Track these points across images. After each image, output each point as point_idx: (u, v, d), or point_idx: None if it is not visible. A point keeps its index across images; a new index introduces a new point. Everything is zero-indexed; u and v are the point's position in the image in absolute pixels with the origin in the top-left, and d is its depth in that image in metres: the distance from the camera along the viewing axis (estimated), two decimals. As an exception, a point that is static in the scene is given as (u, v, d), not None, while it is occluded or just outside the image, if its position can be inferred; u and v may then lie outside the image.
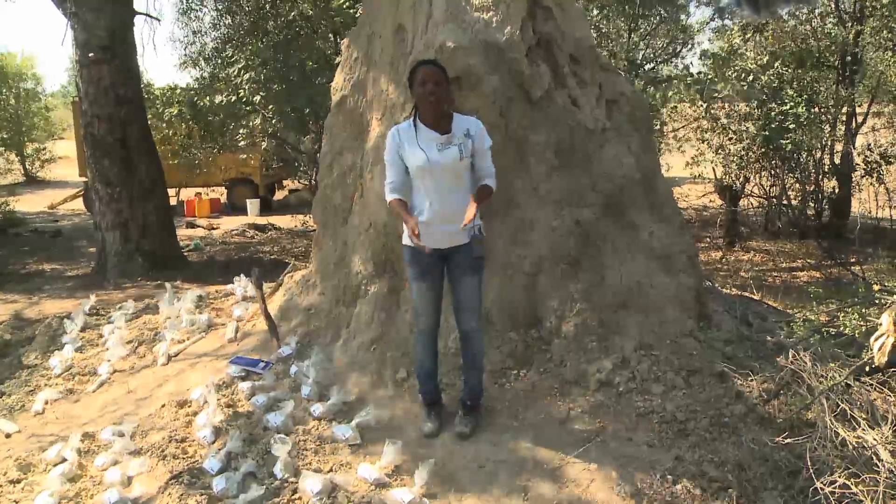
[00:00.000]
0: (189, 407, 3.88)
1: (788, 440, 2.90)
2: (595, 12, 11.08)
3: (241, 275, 6.16)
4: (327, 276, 4.68)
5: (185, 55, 11.21)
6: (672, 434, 3.19)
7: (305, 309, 4.68)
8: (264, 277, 5.84)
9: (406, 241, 3.20)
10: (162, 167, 8.63)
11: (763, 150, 8.94)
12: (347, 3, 8.73)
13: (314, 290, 4.80)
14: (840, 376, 2.97)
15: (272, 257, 9.90)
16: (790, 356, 3.25)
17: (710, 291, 4.90)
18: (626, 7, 10.91)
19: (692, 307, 4.06)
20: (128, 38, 8.15)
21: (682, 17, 12.80)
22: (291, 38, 9.34)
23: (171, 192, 13.79)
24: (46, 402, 4.28)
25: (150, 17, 9.54)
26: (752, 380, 3.47)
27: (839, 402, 2.84)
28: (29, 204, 16.88)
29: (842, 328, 3.49)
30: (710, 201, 12.57)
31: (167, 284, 6.37)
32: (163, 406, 3.92)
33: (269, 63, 9.19)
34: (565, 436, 3.25)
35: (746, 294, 6.04)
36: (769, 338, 4.10)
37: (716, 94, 9.81)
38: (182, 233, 12.30)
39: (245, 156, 14.11)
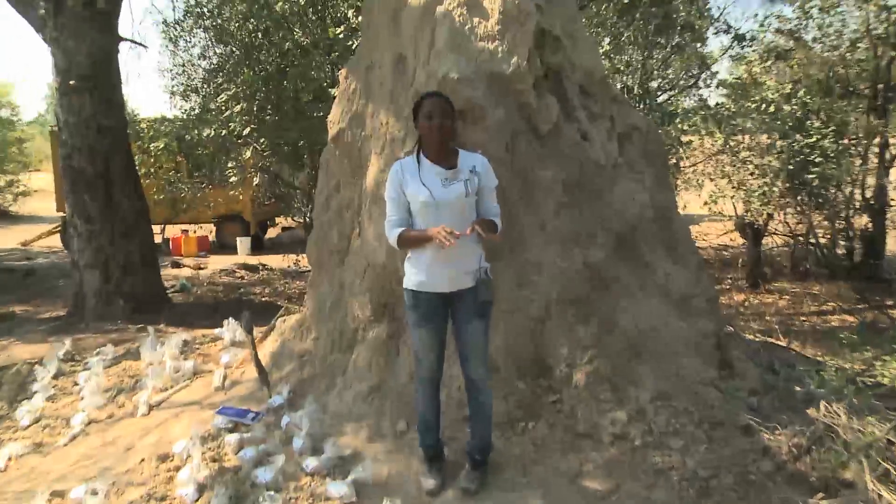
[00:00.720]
0: (171, 461, 3.87)
1: (823, 501, 2.86)
2: (607, 41, 11.33)
3: (230, 318, 6.20)
4: (322, 321, 4.72)
5: (173, 86, 11.48)
6: (693, 493, 3.17)
7: (299, 355, 4.70)
8: (255, 321, 5.88)
9: (408, 283, 3.25)
10: (146, 202, 8.74)
11: (787, 184, 9.00)
12: (344, 33, 8.96)
13: (308, 335, 4.83)
14: (880, 431, 2.94)
15: (263, 300, 9.94)
16: (822, 408, 3.23)
17: (732, 337, 4.91)
18: (640, 36, 11.16)
19: (712, 354, 4.07)
20: (111, 65, 8.28)
21: (699, 45, 13.05)
22: (285, 69, 9.56)
23: (156, 229, 13.95)
24: (10, 458, 4.23)
25: (136, 43, 9.67)
26: (780, 434, 3.45)
27: (880, 461, 2.81)
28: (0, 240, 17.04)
29: (879, 378, 3.48)
30: (731, 240, 12.64)
31: (150, 328, 6.41)
32: (142, 460, 3.91)
33: (261, 94, 9.38)
34: (577, 494, 3.23)
35: (772, 340, 6.04)
36: (798, 388, 4.09)
37: (735, 126, 9.92)
38: (167, 273, 12.37)
39: (235, 191, 14.28)
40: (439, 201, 3.09)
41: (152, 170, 12.22)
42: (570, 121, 4.27)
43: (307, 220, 11.22)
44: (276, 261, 13.86)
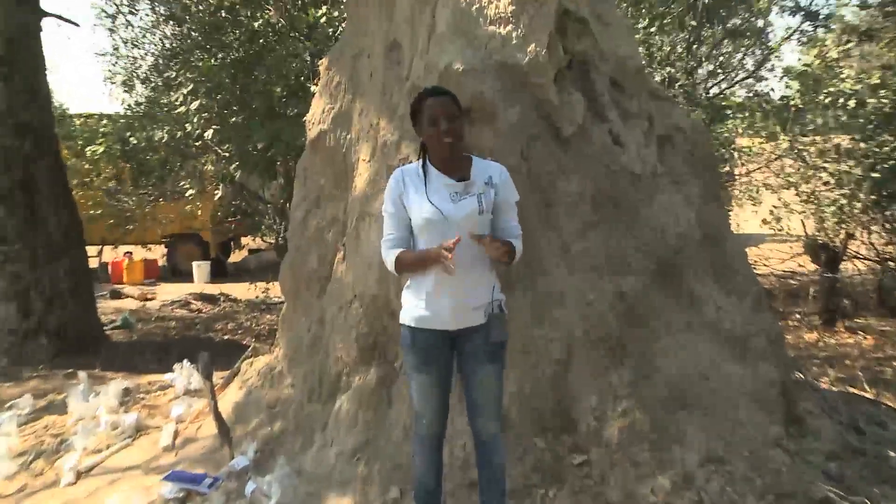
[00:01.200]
0: (106, 542, 3.88)
1: None
2: (644, 23, 11.44)
3: (184, 361, 6.25)
4: (298, 363, 4.78)
5: (112, 75, 11.61)
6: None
7: (268, 406, 4.76)
8: (215, 364, 5.93)
9: (405, 318, 3.30)
10: (80, 219, 8.74)
11: (873, 197, 8.93)
12: (326, 15, 9.10)
13: (281, 381, 4.89)
14: None
15: (225, 338, 10.00)
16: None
17: (803, 386, 4.93)
18: (685, 16, 11.28)
19: (777, 407, 4.10)
20: (32, 47, 8.18)
21: (760, 23, 13.07)
22: (254, 56, 9.70)
23: (92, 250, 14.04)
24: None
25: (65, 20, 9.46)
26: (869, 510, 3.45)
27: None
28: None
29: None
30: (799, 266, 12.65)
31: (81, 374, 6.41)
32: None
33: (224, 87, 9.52)
34: (610, 578, 3.25)
35: (855, 391, 6.03)
36: (892, 453, 4.10)
37: (804, 125, 9.92)
38: (105, 305, 12.46)
39: (192, 206, 14.41)
40: (447, 219, 3.14)
41: (88, 178, 12.37)
42: (598, 121, 4.37)
43: (280, 240, 11.28)
44: (241, 290, 13.96)
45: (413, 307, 3.26)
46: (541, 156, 4.14)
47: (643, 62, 4.88)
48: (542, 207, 4.13)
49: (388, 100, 4.51)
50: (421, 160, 3.29)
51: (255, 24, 9.78)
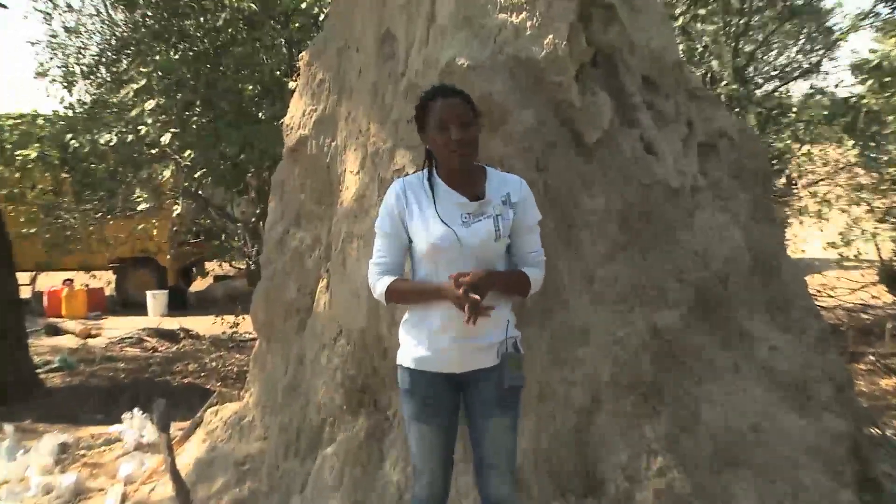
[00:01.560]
0: None
1: None
2: (682, 9, 11.45)
3: (136, 410, 6.27)
4: (272, 412, 4.81)
5: (48, 68, 11.66)
6: None
7: (237, 463, 4.78)
8: (173, 414, 5.95)
9: (402, 358, 3.31)
10: (8, 239, 8.79)
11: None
12: (307, 0, 9.16)
13: (251, 433, 4.92)
14: None
15: (186, 381, 10.01)
16: None
17: (879, 443, 4.92)
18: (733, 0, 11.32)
19: (846, 468, 4.09)
20: None
21: (824, 3, 13.05)
22: (221, 48, 9.76)
23: (24, 277, 14.06)
24: None
25: None
26: None
27: None
28: None
29: None
30: (873, 297, 12.63)
31: (7, 427, 6.38)
32: None
33: (185, 84, 9.58)
34: None
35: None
36: None
37: (878, 130, 9.89)
38: (40, 343, 12.46)
39: (146, 224, 14.40)
40: (458, 245, 3.15)
41: (19, 190, 12.39)
42: (628, 126, 4.43)
43: (252, 265, 11.31)
44: (204, 324, 13.94)
45: (412, 345, 3.27)
46: (560, 167, 4.20)
47: (681, 56, 4.95)
48: (561, 228, 4.18)
49: (381, 101, 4.57)
50: (426, 171, 3.29)
51: (223, 13, 9.83)
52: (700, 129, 4.78)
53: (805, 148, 11.56)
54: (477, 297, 2.99)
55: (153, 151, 10.30)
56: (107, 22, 11.44)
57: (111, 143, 10.11)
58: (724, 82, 11.32)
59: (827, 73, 13.92)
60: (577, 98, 4.23)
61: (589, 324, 4.08)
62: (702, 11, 11.38)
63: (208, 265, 18.51)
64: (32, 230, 12.72)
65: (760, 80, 13.34)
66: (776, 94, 13.27)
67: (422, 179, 3.28)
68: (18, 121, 12.38)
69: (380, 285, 3.25)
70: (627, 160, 4.33)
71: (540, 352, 4.01)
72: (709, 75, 11.57)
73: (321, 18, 9.45)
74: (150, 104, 9.56)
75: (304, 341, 4.83)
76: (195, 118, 9.77)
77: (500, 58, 4.18)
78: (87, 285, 16.82)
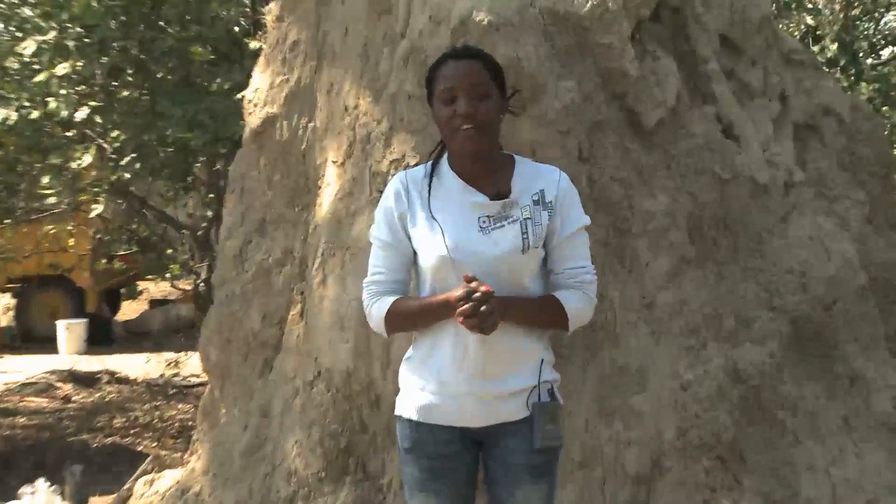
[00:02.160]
0: None
1: None
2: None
3: (40, 481, 6.29)
4: (227, 482, 4.83)
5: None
6: None
7: (179, 550, 4.84)
8: (92, 485, 5.97)
9: (403, 408, 3.30)
10: None
11: None
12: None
13: (198, 509, 4.97)
14: None
15: (109, 441, 10.04)
16: None
17: None
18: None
19: None
20: None
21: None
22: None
23: None
24: None
25: None
26: None
27: None
28: None
29: None
30: None
31: None
32: None
33: (112, 43, 9.61)
34: None
35: None
36: None
37: None
38: None
39: (58, 231, 14.28)
40: (473, 258, 3.14)
41: None
42: (701, 101, 4.49)
43: (201, 286, 11.34)
44: (136, 365, 13.93)
45: (416, 389, 3.26)
46: (610, 157, 4.24)
47: (772, 10, 5.00)
48: (611, 237, 4.23)
49: (373, 69, 4.59)
50: (432, 161, 3.30)
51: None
52: (797, 105, 4.80)
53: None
54: (490, 311, 2.93)
55: (68, 133, 10.28)
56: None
57: (8, 122, 9.94)
58: (828, 46, 11.28)
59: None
60: (632, 65, 4.27)
61: (647, 364, 4.12)
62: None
63: (142, 285, 18.33)
64: None
65: (880, 43, 13.32)
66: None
67: (426, 172, 3.27)
68: None
69: (377, 309, 3.22)
70: (699, 147, 4.37)
71: (583, 401, 4.04)
72: (809, 35, 11.56)
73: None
74: (62, 68, 9.32)
75: (269, 387, 4.86)
76: (125, 89, 9.80)
77: (531, 12, 4.20)
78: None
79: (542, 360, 3.22)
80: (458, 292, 2.95)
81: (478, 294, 2.91)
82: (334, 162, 4.67)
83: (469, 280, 2.96)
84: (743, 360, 4.17)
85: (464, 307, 2.90)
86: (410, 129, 4.23)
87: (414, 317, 3.21)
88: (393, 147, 4.32)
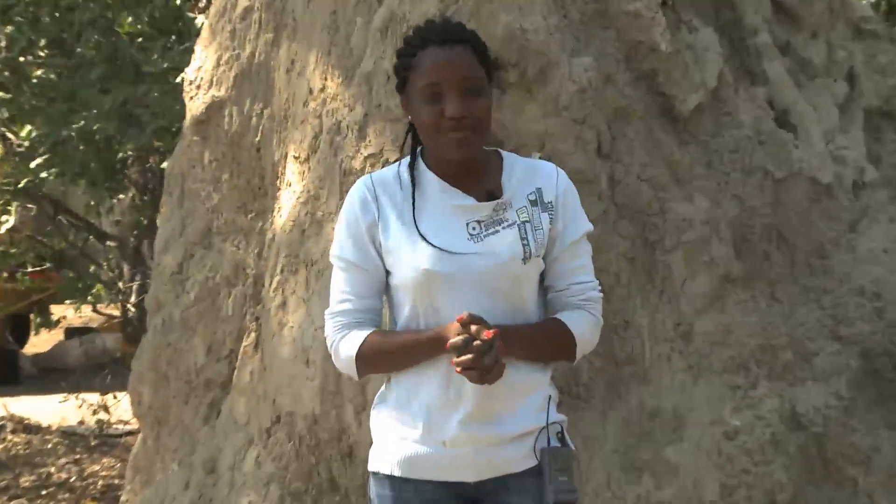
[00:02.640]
0: None
1: None
2: None
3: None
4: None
5: None
6: None
7: None
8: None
9: (377, 462, 3.30)
10: None
11: None
12: None
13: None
14: None
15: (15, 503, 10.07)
16: None
17: None
18: None
19: None
20: None
21: None
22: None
23: None
24: None
25: None
26: None
27: None
28: None
29: None
30: None
31: None
32: None
33: (22, 14, 9.64)
34: None
35: None
36: None
37: None
38: None
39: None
40: (467, 272, 3.18)
41: None
42: (749, 82, 4.56)
43: (131, 311, 11.35)
44: (48, 408, 13.96)
45: (395, 440, 3.27)
46: (636, 151, 4.31)
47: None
48: (639, 250, 4.30)
49: (343, 43, 4.64)
50: (408, 159, 3.32)
51: None
52: (869, 87, 4.86)
53: None
54: (494, 360, 2.90)
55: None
56: None
57: None
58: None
59: None
60: (663, 38, 4.33)
61: (684, 407, 4.17)
62: None
63: (57, 310, 18.47)
64: None
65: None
66: None
67: (398, 173, 3.30)
68: None
69: (346, 347, 3.23)
70: (747, 139, 4.43)
71: (604, 452, 4.08)
72: (884, 2, 11.67)
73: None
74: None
75: (217, 436, 4.90)
76: (37, 69, 9.86)
77: (538, -25, 4.29)
78: None
79: (550, 398, 3.23)
80: (456, 339, 2.89)
81: (479, 343, 2.86)
82: (296, 157, 4.72)
83: (466, 322, 2.92)
84: (802, 403, 4.22)
85: (463, 359, 2.86)
86: (390, 116, 4.25)
87: (395, 356, 3.20)
88: (368, 139, 4.35)
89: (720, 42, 4.49)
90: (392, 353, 3.20)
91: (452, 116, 3.06)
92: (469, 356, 2.85)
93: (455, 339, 2.89)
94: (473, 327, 2.89)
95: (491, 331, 2.87)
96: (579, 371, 3.88)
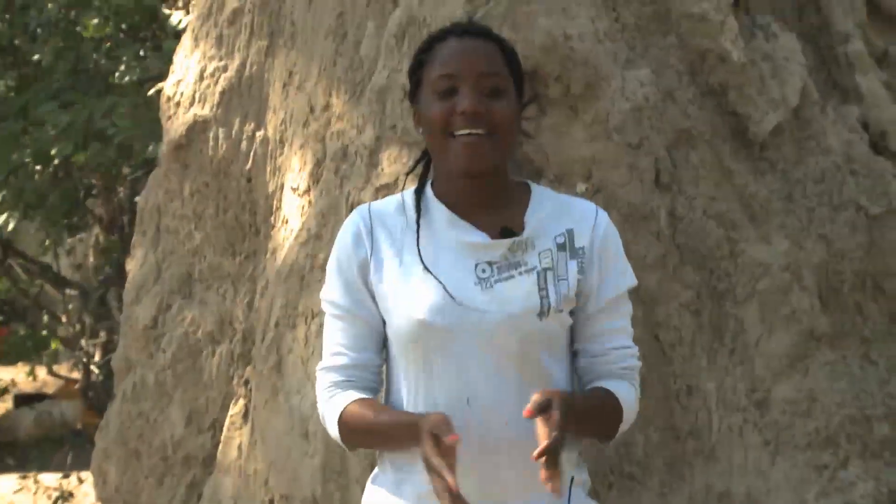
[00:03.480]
0: None
1: None
2: None
3: None
4: None
5: None
6: None
7: None
8: None
9: None
10: None
11: None
12: None
13: None
14: None
15: None
16: None
17: None
18: None
19: None
20: None
21: None
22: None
23: None
24: None
25: None
26: None
27: None
28: None
29: None
30: None
31: None
32: None
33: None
34: None
35: None
36: None
37: None
38: None
39: None
40: (469, 323, 3.18)
41: None
42: (838, 100, 4.58)
43: (96, 372, 11.36)
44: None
45: None
46: (701, 182, 4.34)
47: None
48: (703, 300, 4.31)
49: (352, 51, 4.67)
50: (415, 188, 3.35)
51: None
52: None
53: None
54: (443, 443, 2.79)
55: None
56: None
57: None
58: None
59: None
60: (735, 46, 4.35)
61: (759, 490, 4.17)
62: None
63: (5, 373, 18.54)
64: None
65: None
66: None
67: (402, 203, 3.33)
68: None
69: (331, 411, 3.28)
70: (836, 167, 4.45)
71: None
72: None
73: None
74: None
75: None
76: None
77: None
78: None
79: (572, 479, 3.22)
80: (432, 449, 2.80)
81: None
82: (294, 189, 4.75)
83: (439, 423, 2.85)
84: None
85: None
86: (406, 139, 4.25)
87: (373, 437, 3.24)
88: (381, 167, 4.37)
89: (804, 51, 4.49)
90: (369, 432, 3.21)
91: (465, 110, 3.05)
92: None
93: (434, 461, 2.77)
94: (437, 457, 2.77)
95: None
96: (633, 447, 3.86)
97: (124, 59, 9.70)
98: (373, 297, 3.23)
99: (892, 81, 4.69)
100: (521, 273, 3.15)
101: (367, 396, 3.22)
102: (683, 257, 4.18)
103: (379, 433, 3.15)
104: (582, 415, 3.05)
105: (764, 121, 4.39)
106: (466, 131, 3.04)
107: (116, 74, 9.72)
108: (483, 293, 3.13)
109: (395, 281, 3.18)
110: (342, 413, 3.18)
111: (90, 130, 8.91)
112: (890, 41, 4.76)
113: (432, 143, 3.19)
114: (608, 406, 3.18)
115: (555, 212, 3.25)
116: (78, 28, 10.04)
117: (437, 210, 3.22)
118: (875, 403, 4.29)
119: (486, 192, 3.20)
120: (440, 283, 3.10)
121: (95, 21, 9.78)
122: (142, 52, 9.74)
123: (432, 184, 3.28)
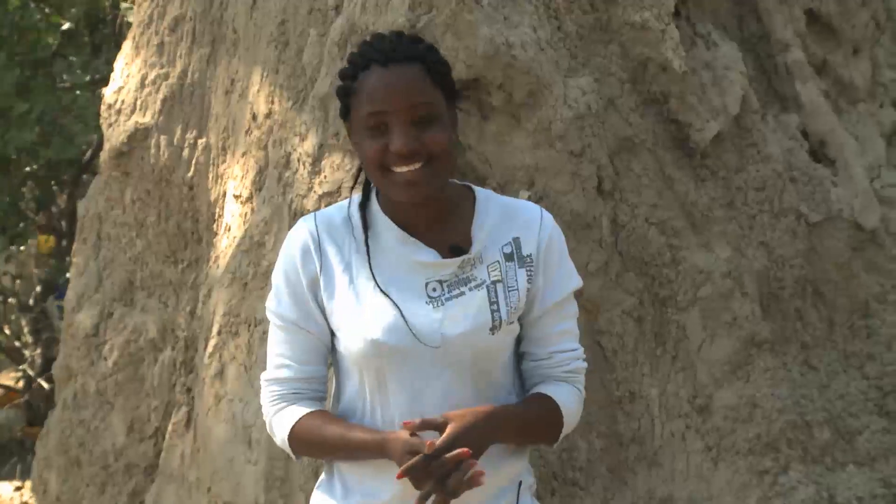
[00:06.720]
0: None
1: None
2: None
3: None
4: None
5: None
6: None
7: None
8: None
9: None
10: None
11: None
12: None
13: None
14: None
15: None
16: None
17: None
18: None
19: None
20: None
21: None
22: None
23: None
24: None
25: None
26: None
27: None
28: None
29: None
30: None
31: None
32: None
33: None
34: None
35: None
36: None
37: None
38: None
39: None
40: (422, 342, 3.17)
41: None
42: (777, 108, 4.60)
43: (35, 383, 11.29)
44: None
45: None
46: (644, 189, 4.35)
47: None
48: (646, 306, 4.33)
49: (294, 58, 4.66)
50: (359, 198, 3.30)
51: None
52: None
53: None
54: (459, 482, 2.80)
55: None
56: None
57: None
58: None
59: None
60: (676, 55, 4.37)
61: (701, 496, 4.19)
62: None
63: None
64: None
65: None
66: None
67: (347, 213, 3.28)
68: None
69: (279, 424, 3.24)
70: (776, 175, 4.47)
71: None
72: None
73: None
74: None
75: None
76: None
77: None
78: None
79: (521, 484, 3.23)
80: (411, 461, 2.82)
81: (442, 465, 2.81)
82: (237, 196, 4.73)
83: (415, 429, 2.90)
84: (843, 491, 4.25)
85: (421, 495, 2.83)
86: (349, 147, 4.09)
87: (331, 450, 3.19)
88: (324, 174, 4.35)
89: (744, 60, 4.52)
90: (328, 445, 3.17)
91: (398, 152, 3.00)
92: (429, 484, 2.80)
93: (409, 464, 2.81)
94: (427, 442, 2.81)
95: (438, 442, 2.82)
96: (576, 453, 3.86)
97: (67, 62, 9.66)
98: (322, 312, 3.18)
99: (831, 90, 4.70)
100: (471, 289, 3.13)
101: (317, 409, 3.19)
102: (626, 264, 4.18)
103: (340, 446, 3.11)
104: (521, 427, 3.10)
105: (705, 129, 4.40)
106: (404, 169, 3.00)
107: (56, 79, 9.66)
108: (435, 311, 3.11)
109: (347, 298, 3.15)
110: (294, 425, 3.15)
111: (26, 134, 8.84)
112: (829, 50, 4.77)
113: (370, 175, 3.14)
114: (548, 413, 3.17)
115: (500, 220, 3.22)
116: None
117: (386, 227, 3.18)
118: (815, 409, 4.30)
119: (431, 210, 3.16)
120: (393, 302, 3.07)
121: (39, 18, 9.75)
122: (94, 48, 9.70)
123: (379, 199, 3.22)
